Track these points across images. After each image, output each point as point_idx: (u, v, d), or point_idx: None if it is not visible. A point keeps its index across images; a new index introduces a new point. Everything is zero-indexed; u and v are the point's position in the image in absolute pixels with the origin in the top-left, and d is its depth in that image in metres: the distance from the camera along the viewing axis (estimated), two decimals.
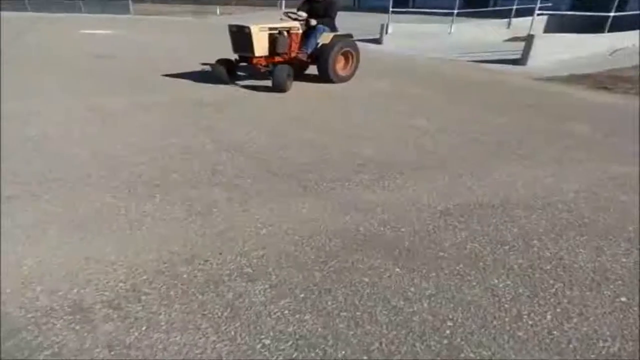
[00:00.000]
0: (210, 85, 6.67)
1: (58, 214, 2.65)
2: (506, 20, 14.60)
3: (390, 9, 13.26)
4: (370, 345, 1.72)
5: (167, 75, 7.36)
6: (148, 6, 33.34)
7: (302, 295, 2.01)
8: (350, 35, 7.26)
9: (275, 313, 1.89)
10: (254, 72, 6.98)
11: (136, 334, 1.74)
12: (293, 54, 6.76)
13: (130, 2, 32.12)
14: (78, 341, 1.69)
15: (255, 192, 3.06)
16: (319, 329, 1.80)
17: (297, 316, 1.87)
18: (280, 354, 1.66)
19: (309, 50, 6.81)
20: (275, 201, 2.94)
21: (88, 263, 2.18)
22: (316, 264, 2.25)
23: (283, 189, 3.13)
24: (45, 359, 1.62)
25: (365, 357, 1.67)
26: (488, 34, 14.05)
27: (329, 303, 1.96)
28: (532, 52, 9.35)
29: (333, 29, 7.02)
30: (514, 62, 9.68)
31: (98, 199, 2.86)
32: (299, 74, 7.27)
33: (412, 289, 2.07)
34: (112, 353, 1.64)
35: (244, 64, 6.80)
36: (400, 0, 17.10)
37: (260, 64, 6.51)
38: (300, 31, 6.78)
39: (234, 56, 6.84)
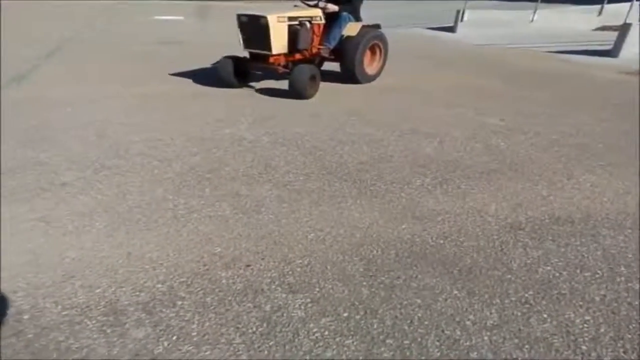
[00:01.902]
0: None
1: (107, 205, 2.63)
2: (597, 6, 13.33)
3: None
4: None
5: None
6: None
7: (345, 314, 1.82)
8: (378, 26, 6.08)
9: (314, 333, 1.72)
10: (269, 72, 5.72)
11: (166, 344, 1.64)
12: (315, 50, 5.67)
13: None
14: (107, 347, 1.62)
15: (307, 192, 2.90)
16: (360, 358, 1.60)
17: (338, 339, 1.69)
18: None
19: (332, 44, 5.62)
20: (327, 203, 2.76)
21: (129, 259, 2.12)
22: (364, 278, 2.05)
23: (336, 190, 2.94)
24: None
25: None
26: (576, 22, 12.96)
27: (375, 326, 1.76)
28: (627, 43, 8.41)
29: (358, 18, 5.84)
30: (604, 53, 8.80)
31: (149, 191, 2.82)
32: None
33: (471, 317, 1.82)
34: None
35: (258, 63, 5.46)
36: None
37: (279, 64, 5.29)
38: (323, 21, 5.61)
39: (244, 53, 5.56)
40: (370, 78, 6.17)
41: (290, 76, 5.04)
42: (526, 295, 1.96)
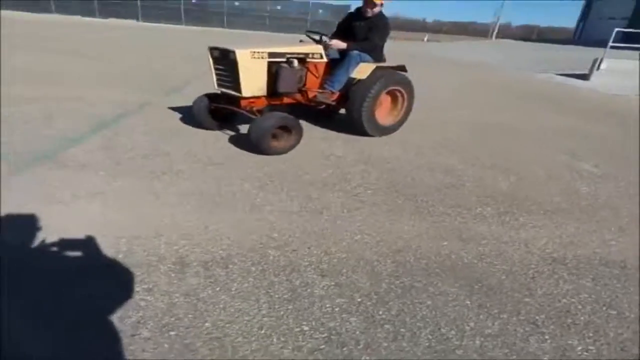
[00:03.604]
0: None
1: (203, 190, 3.24)
2: None
3: (610, 43, 11.68)
4: None
5: None
6: None
7: (358, 300, 2.10)
8: (401, 68, 4.97)
9: (326, 307, 2.03)
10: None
11: (209, 291, 2.09)
12: (312, 93, 4.69)
13: None
14: (168, 284, 2.12)
15: (369, 203, 3.22)
16: (357, 333, 1.88)
17: (344, 316, 1.98)
18: (309, 342, 1.81)
19: (336, 87, 4.68)
20: (383, 214, 3.05)
21: (206, 230, 2.65)
22: (388, 277, 2.30)
23: (397, 205, 3.21)
24: None
25: None
26: None
27: (380, 313, 2.02)
28: None
29: (378, 58, 4.84)
30: None
31: (238, 184, 3.38)
32: (323, 117, 5.51)
33: (471, 324, 1.98)
34: (185, 300, 2.01)
35: (229, 106, 4.47)
36: (634, 36, 14.32)
37: (249, 108, 4.32)
38: (324, 59, 4.69)
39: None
40: (385, 130, 5.08)
41: (251, 123, 4.02)
42: (536, 317, 2.04)
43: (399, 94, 5.05)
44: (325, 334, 1.86)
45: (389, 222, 2.94)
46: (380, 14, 4.70)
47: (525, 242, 2.77)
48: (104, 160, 3.63)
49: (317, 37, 4.79)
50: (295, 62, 4.38)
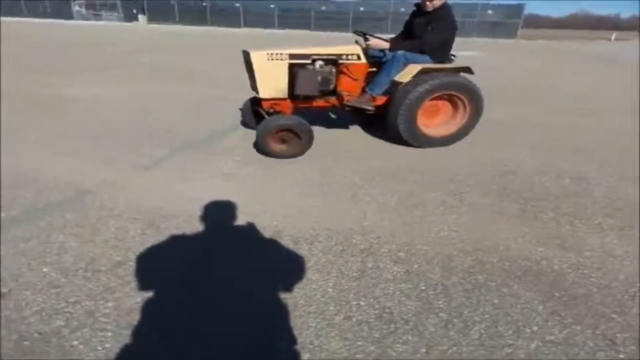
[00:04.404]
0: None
1: (313, 178, 3.56)
2: None
3: None
4: (442, 354, 1.78)
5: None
6: (538, 32, 33.35)
7: (423, 287, 2.17)
8: (464, 70, 4.30)
9: (389, 289, 2.15)
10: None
11: (291, 261, 2.38)
12: (347, 97, 4.29)
13: (519, 26, 32.97)
14: (261, 250, 2.47)
15: (472, 204, 3.17)
16: (409, 315, 1.97)
17: (403, 299, 2.08)
18: (361, 315, 1.96)
19: (376, 91, 4.25)
20: (483, 215, 2.99)
21: (304, 211, 2.96)
22: (462, 272, 2.30)
23: (501, 208, 3.10)
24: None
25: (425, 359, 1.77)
26: None
27: (439, 302, 2.06)
28: None
29: (440, 58, 4.27)
30: None
31: (346, 176, 3.62)
32: (368, 125, 5.08)
33: (534, 328, 1.90)
34: (265, 264, 2.33)
35: (258, 108, 4.45)
36: None
37: (272, 109, 4.25)
38: (362, 60, 4.28)
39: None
40: (433, 142, 4.44)
41: (260, 123, 4.03)
42: (617, 335, 1.86)
43: (458, 101, 4.37)
44: (378, 311, 1.99)
45: (483, 222, 2.88)
46: (444, 7, 4.14)
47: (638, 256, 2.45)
48: (241, 149, 4.23)
49: (366, 38, 4.36)
50: (318, 64, 4.14)
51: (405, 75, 4.09)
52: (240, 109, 5.01)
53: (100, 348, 1.71)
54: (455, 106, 4.44)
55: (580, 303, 2.07)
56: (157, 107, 5.85)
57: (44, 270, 2.20)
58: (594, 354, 1.76)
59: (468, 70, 4.29)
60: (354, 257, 2.42)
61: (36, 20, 34.41)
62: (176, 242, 2.52)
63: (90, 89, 7.17)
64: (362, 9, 34.89)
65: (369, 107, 4.30)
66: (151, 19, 36.40)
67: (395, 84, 4.17)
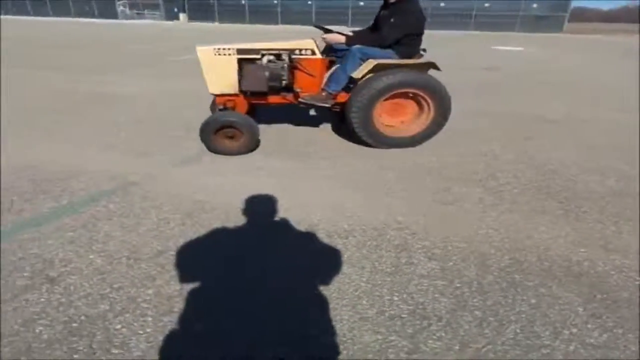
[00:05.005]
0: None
1: (343, 174, 3.57)
2: None
3: None
4: (476, 352, 1.76)
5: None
6: (585, 25, 32.07)
7: (457, 285, 2.15)
8: (429, 66, 3.96)
9: (423, 285, 2.14)
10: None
11: (325, 255, 2.41)
12: (304, 94, 4.08)
13: (565, 20, 31.80)
14: (299, 243, 2.51)
15: (511, 201, 3.10)
16: (443, 312, 1.96)
17: (437, 295, 2.07)
18: (394, 309, 1.96)
19: (332, 88, 4.00)
20: (522, 213, 2.92)
21: (340, 206, 2.97)
22: (498, 271, 2.26)
23: (542, 207, 3.02)
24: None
25: (459, 357, 1.76)
26: None
27: (474, 300, 2.04)
28: None
29: (405, 53, 3.96)
30: None
31: (385, 174, 3.62)
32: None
33: (573, 330, 1.85)
34: (299, 258, 2.36)
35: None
36: None
37: (223, 106, 4.16)
38: (317, 56, 3.99)
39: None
40: (394, 142, 4.20)
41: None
42: None
43: (422, 101, 4.07)
44: (412, 307, 1.98)
45: (524, 221, 2.81)
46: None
47: None
48: (274, 144, 4.29)
49: (326, 31, 4.22)
50: (265, 59, 3.94)
51: (361, 71, 3.85)
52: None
53: (141, 332, 1.79)
54: (420, 105, 4.17)
55: (622, 306, 2.00)
56: (195, 103, 6.00)
57: (91, 257, 2.32)
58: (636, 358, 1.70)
59: (433, 66, 3.97)
60: (388, 253, 2.42)
61: (83, 19, 35.72)
62: (214, 234, 2.59)
63: (131, 85, 7.44)
64: (486, 4, 33.86)
65: (325, 105, 4.09)
66: (191, 18, 37.17)
67: (352, 81, 3.96)
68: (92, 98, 6.30)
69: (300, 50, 3.96)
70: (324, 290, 2.09)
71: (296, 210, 2.90)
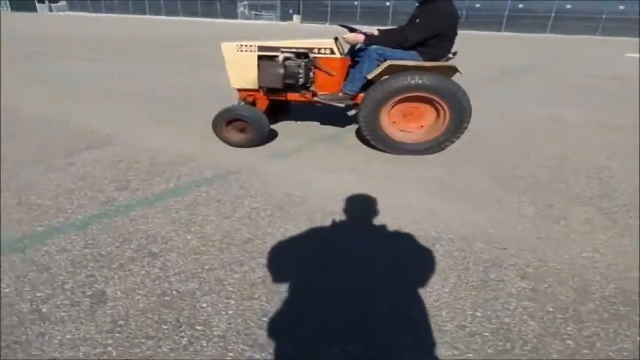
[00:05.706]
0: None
1: (446, 181, 3.46)
2: None
3: None
4: None
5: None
6: None
7: (550, 309, 1.99)
8: (449, 69, 3.68)
9: (510, 304, 2.01)
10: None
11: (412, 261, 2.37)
12: (321, 93, 4.08)
13: None
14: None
15: (623, 225, 2.79)
16: (530, 336, 1.82)
17: (525, 317, 1.93)
18: (476, 326, 1.87)
19: (349, 88, 3.95)
20: (635, 239, 2.61)
21: (425, 212, 2.90)
22: (601, 300, 2.05)
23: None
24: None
25: None
26: None
27: (567, 328, 1.87)
28: None
29: (430, 55, 3.72)
30: None
31: (481, 182, 3.46)
32: None
33: None
34: (384, 260, 2.35)
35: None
36: None
37: (243, 100, 4.30)
38: (337, 55, 3.93)
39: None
40: (404, 148, 3.99)
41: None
42: None
43: (439, 106, 3.80)
44: (496, 326, 1.88)
45: (637, 248, 2.51)
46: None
47: None
48: (365, 145, 4.29)
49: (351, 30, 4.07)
50: (282, 56, 3.94)
51: (375, 72, 3.72)
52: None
53: (223, 313, 1.91)
54: (437, 111, 3.89)
55: None
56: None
57: (188, 237, 2.52)
58: None
59: (454, 69, 3.69)
60: (475, 266, 2.31)
61: (208, 19, 38.58)
62: (303, 230, 2.67)
63: None
64: (520, 5, 31.11)
65: (340, 105, 4.06)
66: (304, 19, 38.29)
67: (370, 82, 3.83)
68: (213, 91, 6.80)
69: (319, 49, 3.97)
70: (403, 295, 2.06)
71: (384, 212, 2.88)
